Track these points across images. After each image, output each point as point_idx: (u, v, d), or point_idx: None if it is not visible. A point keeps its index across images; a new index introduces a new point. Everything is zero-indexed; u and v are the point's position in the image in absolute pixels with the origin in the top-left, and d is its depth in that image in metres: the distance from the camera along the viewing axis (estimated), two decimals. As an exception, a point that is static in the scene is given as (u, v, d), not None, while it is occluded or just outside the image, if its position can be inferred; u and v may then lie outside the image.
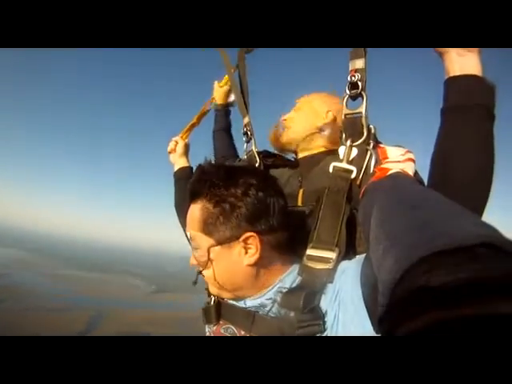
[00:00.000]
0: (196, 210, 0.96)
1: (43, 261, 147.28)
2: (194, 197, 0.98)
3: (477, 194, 0.86)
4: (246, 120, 1.49)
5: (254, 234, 0.91)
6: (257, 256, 0.92)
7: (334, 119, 1.27)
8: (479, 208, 0.86)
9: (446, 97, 0.89)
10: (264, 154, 1.41)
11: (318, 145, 1.30)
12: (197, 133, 1.91)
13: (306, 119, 1.33)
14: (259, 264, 0.94)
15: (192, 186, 0.99)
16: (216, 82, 1.84)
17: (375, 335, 0.69)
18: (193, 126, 1.80)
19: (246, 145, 1.50)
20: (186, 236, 1.03)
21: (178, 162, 1.69)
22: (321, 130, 1.29)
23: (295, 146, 1.34)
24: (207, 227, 0.93)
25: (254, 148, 1.44)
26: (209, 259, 0.92)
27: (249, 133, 1.47)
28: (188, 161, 1.73)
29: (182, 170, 1.67)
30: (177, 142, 1.72)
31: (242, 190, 0.92)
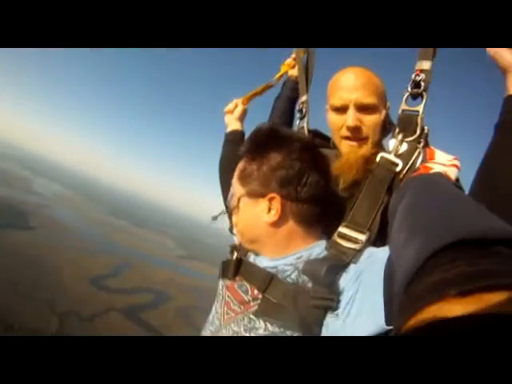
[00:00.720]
0: (240, 162, 1.07)
1: (84, 203, 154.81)
2: (243, 151, 1.07)
3: None
4: (304, 98, 1.53)
5: (278, 197, 0.96)
6: (276, 217, 0.96)
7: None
8: None
9: (503, 113, 0.90)
10: (314, 133, 1.45)
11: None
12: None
13: (382, 123, 1.21)
14: (278, 226, 0.98)
15: (245, 142, 1.09)
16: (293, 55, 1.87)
17: (385, 327, 0.71)
18: (255, 94, 1.81)
19: (298, 121, 1.55)
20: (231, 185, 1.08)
21: (233, 123, 1.69)
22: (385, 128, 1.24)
23: (372, 153, 1.19)
24: (243, 178, 1.03)
25: (306, 125, 1.48)
26: (237, 206, 1.02)
27: (304, 110, 1.51)
28: (242, 125, 1.73)
29: (234, 132, 1.67)
30: (237, 105, 1.71)
31: (283, 154, 0.99)
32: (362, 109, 1.16)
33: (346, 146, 1.19)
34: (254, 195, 0.99)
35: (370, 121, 1.16)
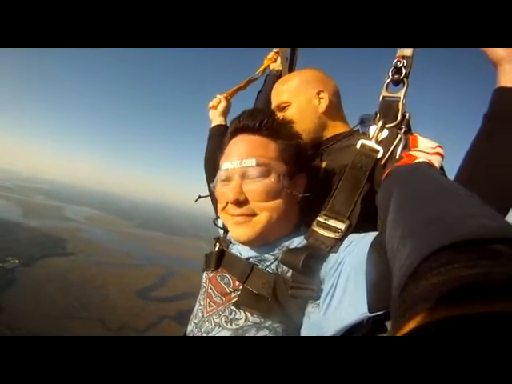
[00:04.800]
0: (268, 142, 0.97)
1: (116, 221, 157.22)
2: (254, 129, 0.98)
3: (498, 195, 0.86)
4: None
5: (304, 174, 1.01)
6: (300, 196, 0.98)
7: (329, 95, 1.28)
8: (500, 210, 0.84)
9: (491, 103, 0.91)
10: None
11: (334, 128, 1.30)
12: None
13: (303, 113, 1.28)
14: (294, 207, 1.00)
15: (254, 117, 0.99)
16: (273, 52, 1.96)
17: (367, 315, 0.72)
18: (239, 89, 1.87)
19: None
20: (241, 163, 0.95)
21: (216, 119, 1.74)
22: (326, 112, 1.28)
23: (312, 139, 1.28)
24: (286, 158, 0.97)
25: None
26: (282, 187, 0.94)
27: None
28: (226, 120, 1.79)
29: (218, 127, 1.72)
30: (220, 101, 1.77)
31: (299, 134, 1.05)
32: (280, 109, 1.29)
33: None
34: (295, 174, 0.98)
35: (288, 116, 1.21)
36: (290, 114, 1.24)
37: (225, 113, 1.76)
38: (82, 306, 59.33)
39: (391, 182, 0.73)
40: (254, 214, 0.94)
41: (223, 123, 1.72)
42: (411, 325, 0.32)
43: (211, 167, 1.50)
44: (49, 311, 54.15)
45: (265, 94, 1.80)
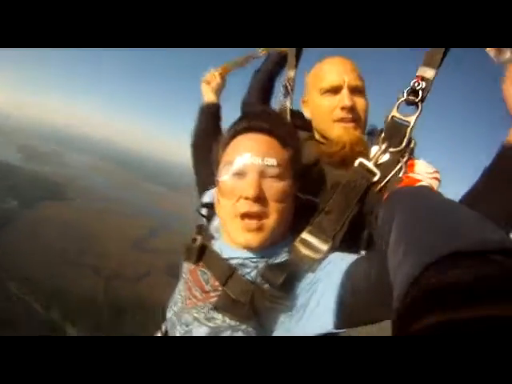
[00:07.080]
0: (280, 146, 0.95)
1: (116, 171, 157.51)
2: (266, 131, 0.96)
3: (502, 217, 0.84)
4: (291, 74, 1.46)
5: (298, 184, 1.00)
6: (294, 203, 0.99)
7: None
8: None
9: (497, 156, 0.89)
10: (296, 114, 1.38)
11: None
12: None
13: (366, 113, 1.18)
14: (292, 213, 0.99)
15: (267, 120, 0.98)
16: None
17: (331, 331, 0.78)
18: (236, 64, 1.76)
19: (282, 98, 1.47)
20: (263, 161, 0.91)
21: (209, 95, 1.64)
22: None
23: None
24: (294, 165, 0.97)
25: (288, 104, 1.41)
26: (293, 192, 0.95)
27: (289, 87, 1.43)
28: (218, 98, 1.68)
29: (210, 104, 1.63)
30: (215, 77, 1.66)
31: (295, 133, 1.02)
32: (354, 91, 1.12)
33: (339, 129, 1.11)
34: (298, 178, 0.98)
35: (361, 103, 1.13)
36: (364, 103, 1.14)
37: (218, 90, 1.66)
38: (78, 251, 61.37)
39: (392, 203, 0.72)
40: (266, 216, 0.91)
41: (215, 101, 1.63)
42: (412, 327, 0.33)
43: (202, 154, 1.43)
44: (44, 254, 56.15)
45: (262, 75, 1.70)
